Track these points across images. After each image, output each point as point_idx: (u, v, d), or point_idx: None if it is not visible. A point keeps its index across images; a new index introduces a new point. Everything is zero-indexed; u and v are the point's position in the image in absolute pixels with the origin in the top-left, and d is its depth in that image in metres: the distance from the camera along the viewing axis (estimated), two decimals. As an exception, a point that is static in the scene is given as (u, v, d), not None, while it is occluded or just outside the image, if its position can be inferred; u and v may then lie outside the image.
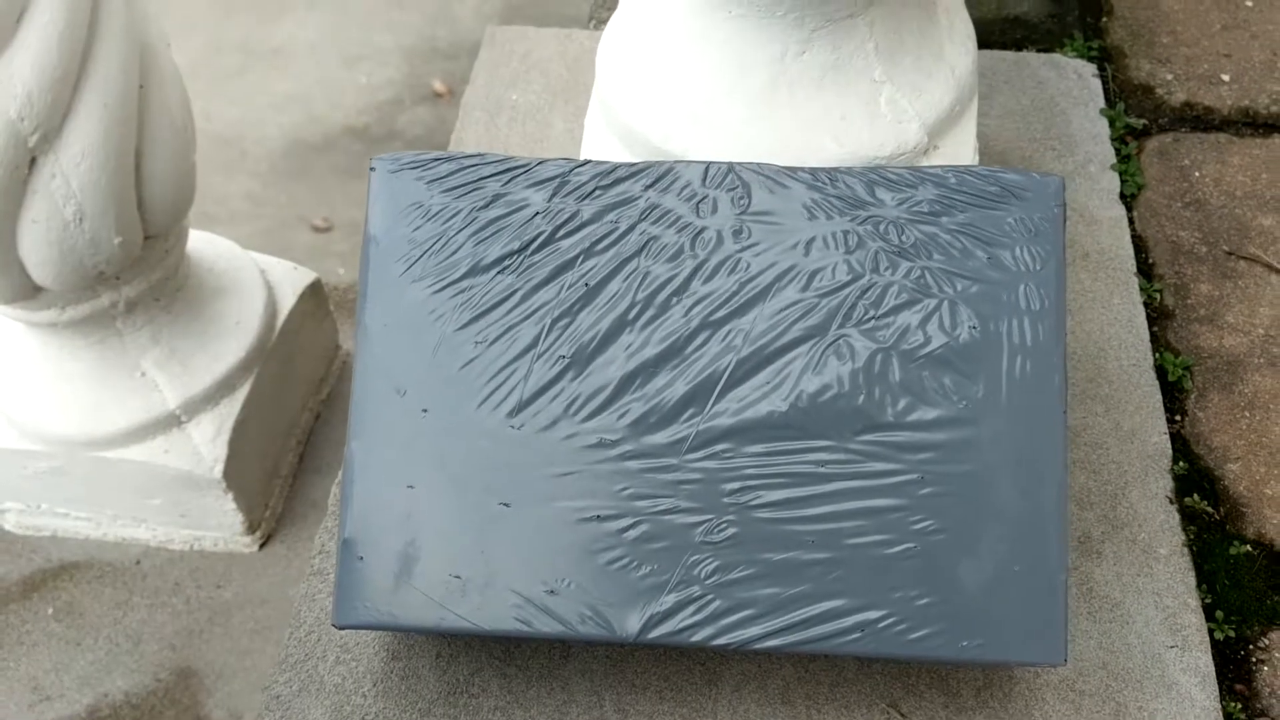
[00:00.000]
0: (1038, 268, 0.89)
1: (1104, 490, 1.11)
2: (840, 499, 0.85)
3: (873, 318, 0.88)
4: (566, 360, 0.87)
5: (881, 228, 0.89)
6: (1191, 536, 1.12)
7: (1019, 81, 1.48)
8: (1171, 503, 1.10)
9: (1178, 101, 1.54)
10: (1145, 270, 1.35)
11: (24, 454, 1.33)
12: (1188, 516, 1.14)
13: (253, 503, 1.42)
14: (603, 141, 1.10)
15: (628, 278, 0.89)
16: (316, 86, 2.12)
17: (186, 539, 1.43)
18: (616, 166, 0.91)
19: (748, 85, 1.01)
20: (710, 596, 0.84)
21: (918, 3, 1.03)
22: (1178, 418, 1.23)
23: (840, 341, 0.87)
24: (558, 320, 0.88)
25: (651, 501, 0.85)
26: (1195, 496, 1.16)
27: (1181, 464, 1.17)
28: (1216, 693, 0.99)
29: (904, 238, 0.89)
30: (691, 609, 0.84)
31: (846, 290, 0.88)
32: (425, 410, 0.87)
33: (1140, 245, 1.37)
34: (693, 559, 0.84)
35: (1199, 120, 1.51)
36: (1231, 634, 1.08)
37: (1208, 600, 1.09)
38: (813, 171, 0.92)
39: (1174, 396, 1.24)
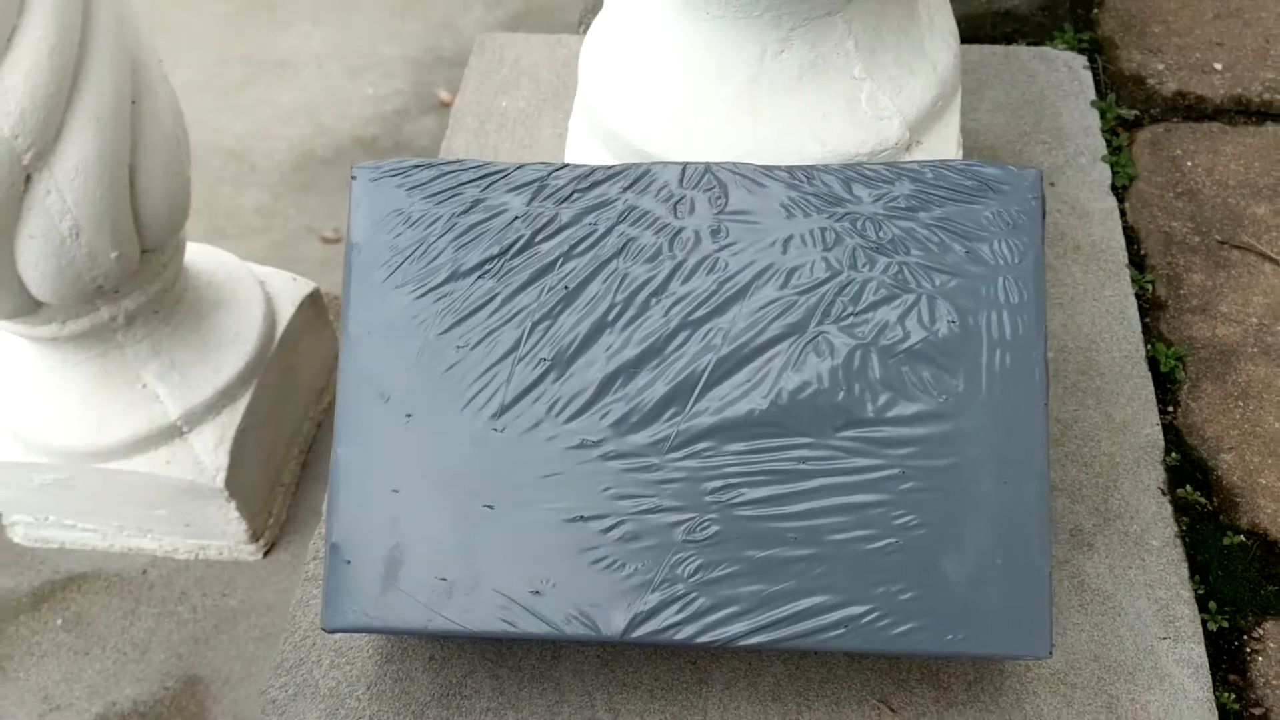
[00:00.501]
0: (1016, 261, 0.89)
1: (1096, 483, 1.11)
2: (822, 495, 0.86)
3: (851, 314, 0.88)
4: (548, 363, 0.88)
5: (859, 224, 0.90)
6: (1184, 528, 1.12)
7: (1009, 75, 1.48)
8: (1164, 494, 1.10)
9: (1169, 91, 1.53)
10: (1137, 261, 1.35)
11: (29, 467, 1.35)
12: (1180, 508, 1.14)
13: (256, 511, 1.43)
14: (586, 145, 1.11)
15: (607, 279, 0.89)
16: (323, 98, 2.14)
17: (192, 548, 1.45)
18: (594, 169, 0.92)
19: (727, 86, 1.02)
20: (694, 594, 0.84)
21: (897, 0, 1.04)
22: (1170, 409, 1.22)
23: (819, 338, 0.88)
24: (538, 323, 0.89)
25: (634, 501, 0.86)
26: (1188, 488, 1.15)
27: (1174, 455, 1.17)
28: (1210, 684, 0.98)
29: (881, 234, 0.90)
30: (675, 607, 0.84)
31: (825, 287, 0.89)
32: (409, 415, 0.88)
33: (1132, 236, 1.37)
34: (676, 557, 0.85)
35: (1191, 110, 1.50)
36: (1225, 625, 1.07)
37: (1201, 591, 1.08)
38: (790, 170, 0.92)
39: (1166, 388, 1.24)
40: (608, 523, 0.86)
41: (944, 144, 1.09)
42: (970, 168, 0.91)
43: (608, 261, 0.90)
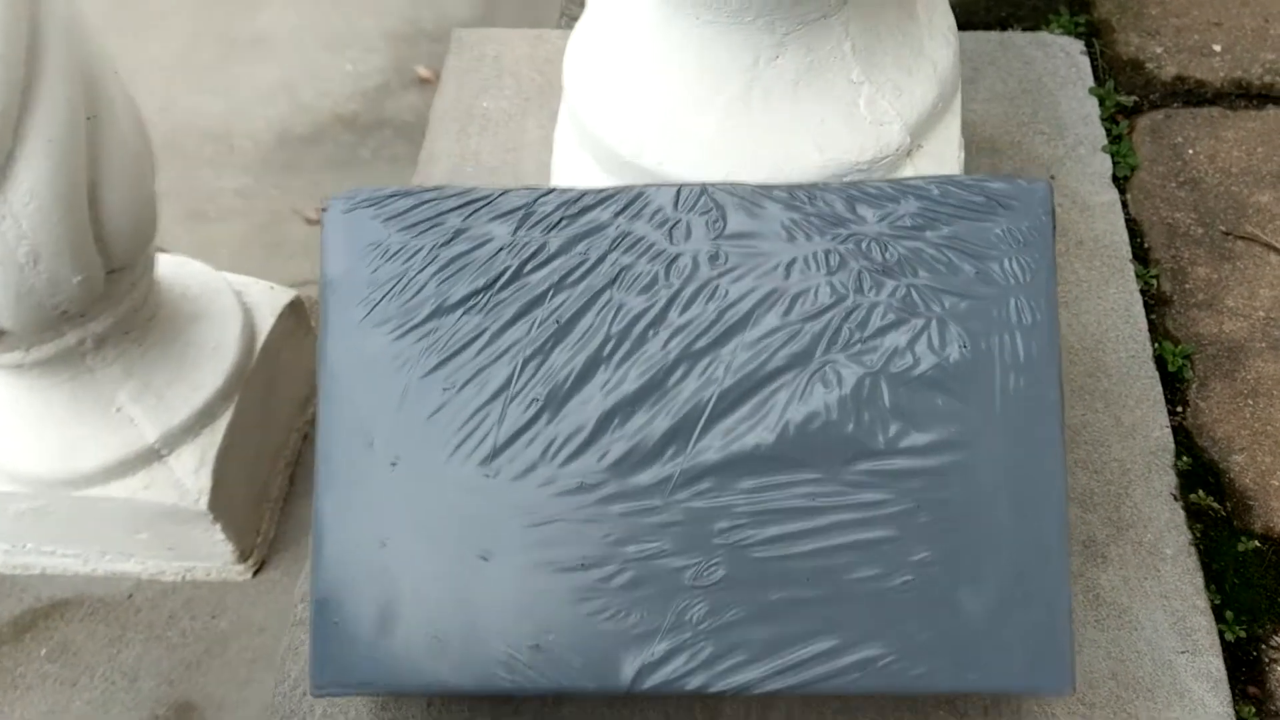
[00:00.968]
0: (1028, 279, 0.85)
1: (1107, 490, 1.08)
2: (833, 533, 0.82)
3: (859, 341, 0.84)
4: (540, 402, 0.84)
5: (864, 246, 0.86)
6: (1198, 534, 1.09)
7: (1005, 63, 1.43)
8: (1176, 499, 1.07)
9: (1168, 75, 1.49)
10: (1141, 255, 1.31)
11: (4, 496, 1.31)
12: (1193, 513, 1.11)
13: (243, 531, 1.39)
14: (574, 157, 1.06)
15: (600, 311, 0.85)
16: (302, 75, 2.08)
17: (178, 570, 1.41)
18: (583, 194, 0.87)
19: (721, 94, 0.97)
20: (703, 642, 0.81)
21: (895, 0, 0.99)
22: (1179, 409, 1.19)
23: (826, 368, 0.84)
24: (529, 360, 0.84)
25: (638, 546, 0.82)
26: (1200, 492, 1.13)
27: (1185, 458, 1.14)
28: (1229, 697, 0.96)
29: (888, 255, 0.85)
30: (684, 656, 0.81)
31: (830, 313, 0.85)
32: (395, 462, 0.83)
33: (1135, 229, 1.33)
34: (683, 604, 0.81)
35: (1191, 94, 1.46)
36: (1242, 634, 1.05)
37: (1216, 600, 1.06)
38: (790, 189, 0.88)
39: (1174, 387, 1.21)
40: (610, 569, 0.82)
41: (946, 146, 1.05)
42: (978, 183, 0.87)
43: (601, 292, 0.85)
